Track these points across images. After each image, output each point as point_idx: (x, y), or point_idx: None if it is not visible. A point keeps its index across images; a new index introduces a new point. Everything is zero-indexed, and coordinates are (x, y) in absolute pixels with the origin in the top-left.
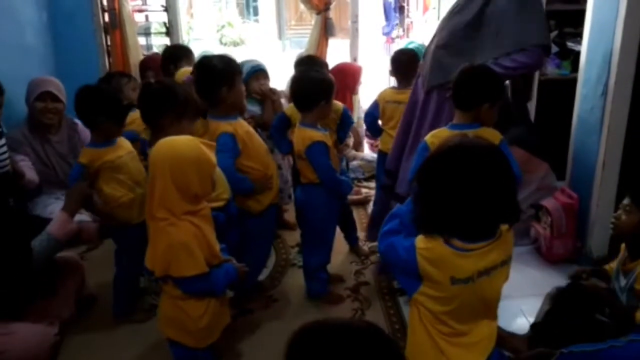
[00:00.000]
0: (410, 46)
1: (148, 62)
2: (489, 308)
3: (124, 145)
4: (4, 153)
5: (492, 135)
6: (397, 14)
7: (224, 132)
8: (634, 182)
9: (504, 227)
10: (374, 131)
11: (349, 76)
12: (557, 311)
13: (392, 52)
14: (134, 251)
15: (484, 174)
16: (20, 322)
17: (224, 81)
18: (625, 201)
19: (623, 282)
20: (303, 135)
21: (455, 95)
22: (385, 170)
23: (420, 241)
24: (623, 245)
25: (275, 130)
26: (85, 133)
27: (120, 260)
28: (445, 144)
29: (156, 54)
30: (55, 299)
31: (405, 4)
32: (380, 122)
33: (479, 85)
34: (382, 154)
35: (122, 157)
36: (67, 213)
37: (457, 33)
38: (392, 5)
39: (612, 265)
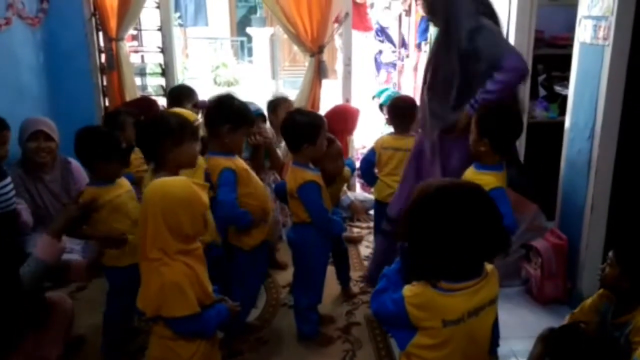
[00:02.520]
0: (386, 93)
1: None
2: (481, 350)
3: (124, 184)
4: (10, 192)
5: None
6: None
7: (225, 168)
8: (621, 237)
9: (489, 266)
10: (369, 178)
11: (348, 119)
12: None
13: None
14: (126, 292)
15: (464, 214)
16: None
17: (229, 121)
18: (610, 254)
19: (616, 333)
20: (295, 175)
21: (497, 143)
22: (386, 217)
23: (406, 290)
24: (600, 293)
25: None
26: (78, 171)
27: (112, 301)
28: (427, 189)
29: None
30: (44, 339)
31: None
32: (375, 169)
33: (513, 127)
34: (378, 203)
35: (121, 196)
36: (50, 234)
37: (438, 84)
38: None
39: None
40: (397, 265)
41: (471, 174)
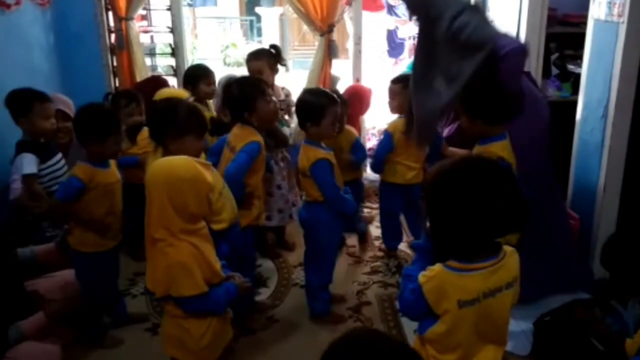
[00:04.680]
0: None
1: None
2: (497, 332)
3: (115, 172)
4: (59, 170)
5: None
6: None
7: (257, 141)
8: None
9: (509, 248)
10: (381, 167)
11: (362, 101)
12: (543, 340)
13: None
14: (91, 278)
15: (485, 187)
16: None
17: (248, 105)
18: None
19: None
20: (307, 153)
21: (490, 119)
22: None
23: (421, 277)
24: None
25: None
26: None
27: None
28: (446, 165)
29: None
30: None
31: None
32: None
33: (500, 99)
34: (400, 187)
35: (115, 184)
36: (47, 317)
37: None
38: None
39: None
40: (419, 265)
41: (476, 151)
